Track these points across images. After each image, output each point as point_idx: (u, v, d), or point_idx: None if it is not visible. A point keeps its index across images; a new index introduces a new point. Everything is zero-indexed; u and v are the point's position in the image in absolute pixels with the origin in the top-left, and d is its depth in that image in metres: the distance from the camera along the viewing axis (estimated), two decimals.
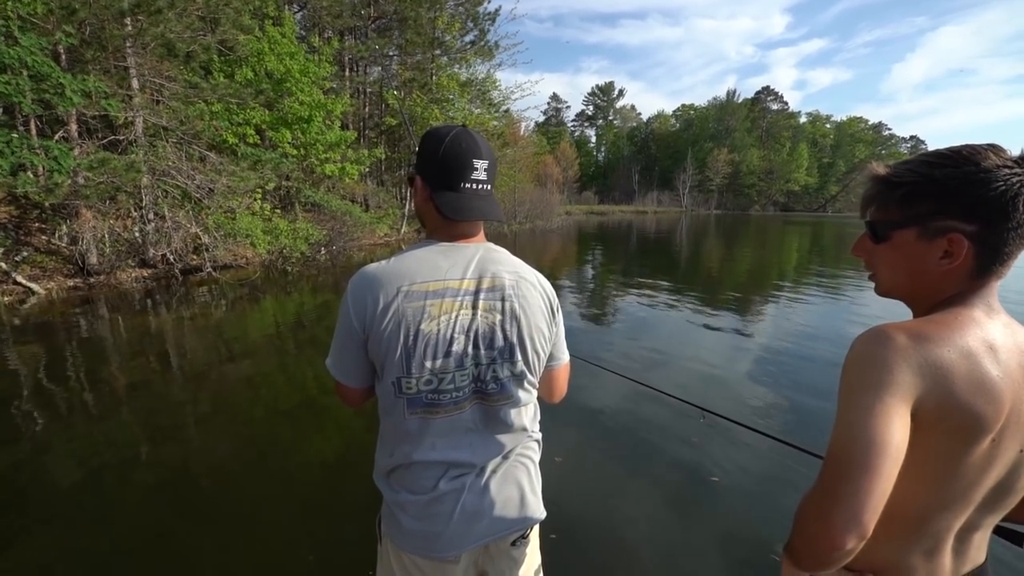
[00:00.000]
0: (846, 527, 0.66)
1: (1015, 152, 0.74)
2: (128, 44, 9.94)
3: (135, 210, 10.34)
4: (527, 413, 1.15)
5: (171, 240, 10.15)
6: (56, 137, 9.26)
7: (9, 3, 7.16)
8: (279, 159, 12.87)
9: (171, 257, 10.14)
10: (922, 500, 0.76)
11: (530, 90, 36.75)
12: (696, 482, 3.09)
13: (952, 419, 0.71)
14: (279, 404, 4.39)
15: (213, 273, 10.49)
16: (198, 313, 7.66)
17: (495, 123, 21.97)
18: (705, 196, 71.34)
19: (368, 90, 21.55)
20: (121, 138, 10.20)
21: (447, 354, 1.00)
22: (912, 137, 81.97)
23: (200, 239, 10.58)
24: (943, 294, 0.80)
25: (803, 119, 79.08)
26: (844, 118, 78.75)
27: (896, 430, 0.68)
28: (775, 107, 76.39)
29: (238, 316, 7.62)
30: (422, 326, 0.98)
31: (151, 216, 10.26)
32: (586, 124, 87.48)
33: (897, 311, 0.81)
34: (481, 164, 1.03)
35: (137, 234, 10.28)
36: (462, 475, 1.07)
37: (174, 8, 9.85)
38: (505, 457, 1.12)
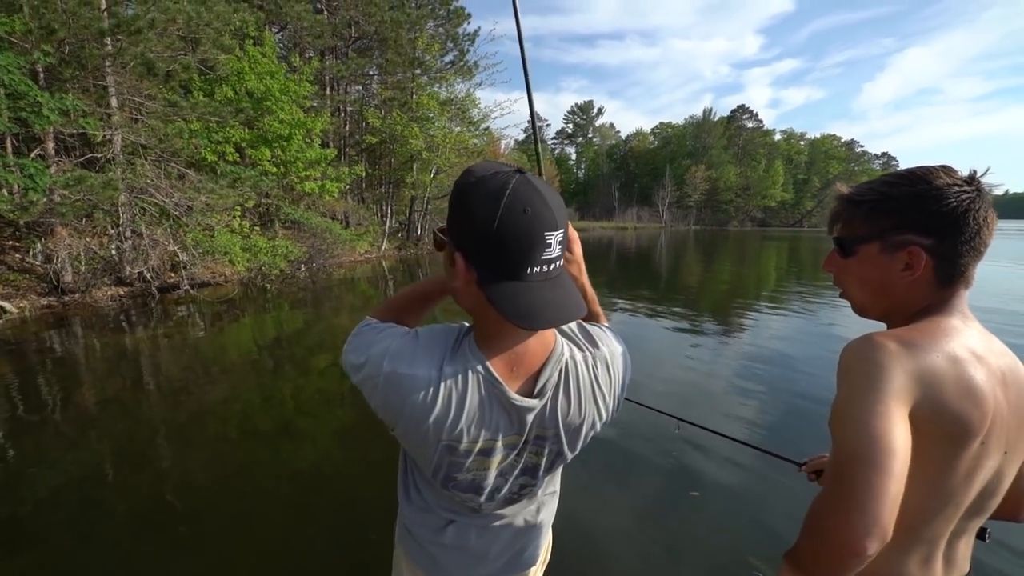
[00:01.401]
0: (867, 531, 0.64)
1: (965, 173, 0.81)
2: (107, 63, 9.98)
3: (112, 228, 10.28)
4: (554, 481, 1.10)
5: (148, 258, 10.10)
6: (32, 155, 9.22)
7: None
8: (259, 177, 12.92)
9: (148, 275, 10.08)
10: (917, 506, 0.77)
11: (510, 108, 37.10)
12: (675, 494, 3.18)
13: (944, 424, 0.73)
14: (256, 424, 4.42)
15: (191, 291, 10.44)
16: (175, 331, 7.63)
17: (475, 141, 22.28)
18: (684, 212, 72.67)
19: (349, 108, 21.74)
20: (99, 156, 10.18)
21: (479, 490, 0.91)
22: (884, 154, 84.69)
23: (178, 257, 10.54)
24: (915, 306, 0.84)
25: (778, 136, 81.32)
26: (818, 135, 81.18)
27: (900, 432, 0.69)
28: (750, 125, 78.45)
29: (215, 335, 7.62)
30: (457, 475, 0.87)
31: (128, 234, 10.21)
32: (566, 142, 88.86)
33: (873, 324, 0.90)
34: (555, 237, 0.72)
35: (114, 252, 10.21)
36: (476, 526, 1.01)
37: (154, 28, 9.94)
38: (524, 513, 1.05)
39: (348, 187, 19.64)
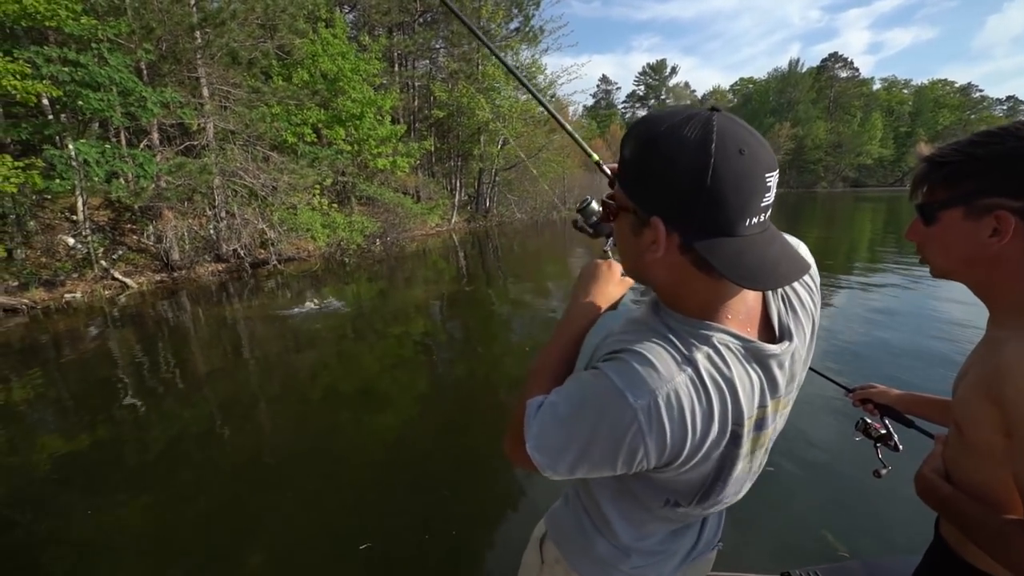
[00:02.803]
0: None
1: None
2: (198, 56, 10.79)
3: (209, 209, 11.28)
4: None
5: (241, 236, 11.02)
6: (141, 145, 10.25)
7: (100, 28, 7.98)
8: (334, 155, 13.59)
9: (241, 252, 11.02)
10: None
11: (577, 73, 35.88)
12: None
13: None
14: (339, 388, 4.84)
15: (278, 266, 11.30)
16: (267, 303, 8.35)
17: (542, 109, 21.92)
18: None
19: (417, 83, 22.08)
20: (195, 143, 11.12)
21: (741, 483, 0.79)
22: (1010, 98, 73.85)
23: (266, 234, 11.41)
24: (1005, 275, 0.78)
25: (877, 86, 73.25)
26: (926, 82, 72.41)
27: None
28: (844, 75, 71.23)
29: (302, 305, 8.25)
30: (731, 475, 0.74)
31: (223, 214, 11.16)
32: (637, 105, 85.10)
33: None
34: (775, 178, 0.61)
35: (211, 231, 11.23)
36: (698, 522, 0.93)
37: (236, 18, 10.58)
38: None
39: (418, 162, 20.13)
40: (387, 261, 12.85)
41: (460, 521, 2.70)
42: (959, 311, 6.20)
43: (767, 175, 0.59)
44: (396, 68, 21.02)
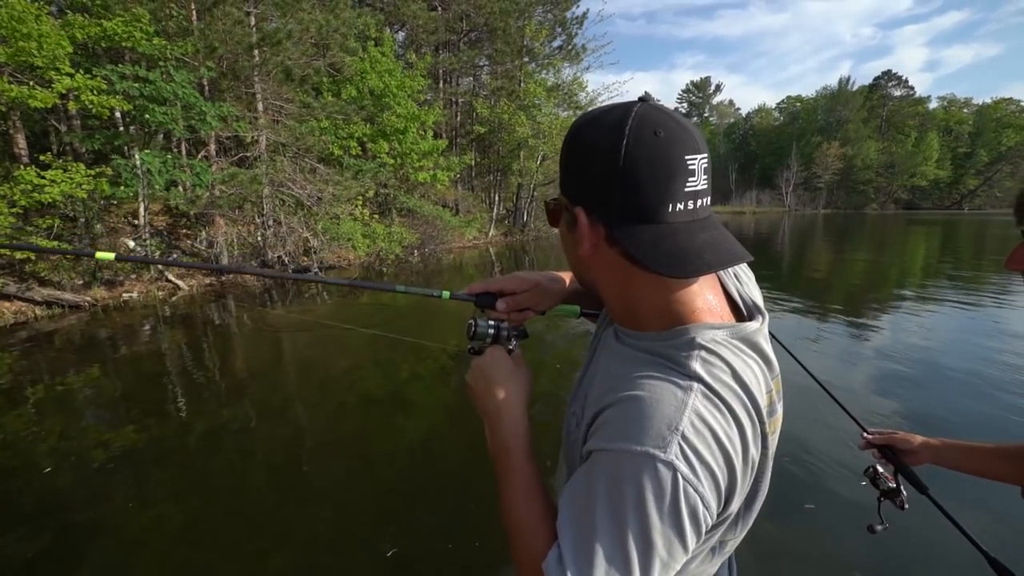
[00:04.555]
0: None
1: None
2: (255, 73, 11.42)
3: (257, 217, 11.82)
4: None
5: (286, 243, 11.49)
6: (199, 156, 10.87)
7: (169, 48, 8.58)
8: (377, 168, 14.04)
9: (285, 258, 11.46)
10: None
11: (618, 91, 35.76)
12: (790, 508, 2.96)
13: None
14: (373, 394, 4.96)
15: (320, 273, 11.69)
16: (307, 309, 8.65)
17: None
18: (811, 195, 65.86)
19: (460, 100, 22.62)
20: (248, 155, 11.71)
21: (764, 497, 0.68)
22: None
23: (309, 242, 11.84)
24: None
25: (934, 104, 70.28)
26: (988, 101, 68.99)
27: None
28: (898, 93, 68.76)
29: (339, 312, 8.51)
30: (764, 477, 0.66)
31: (270, 222, 11.67)
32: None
33: None
34: (699, 162, 0.58)
35: (259, 238, 11.74)
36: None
37: (292, 38, 11.16)
38: None
39: (458, 176, 20.54)
40: (424, 272, 13.11)
41: (484, 533, 2.72)
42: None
43: (688, 157, 0.57)
44: (440, 85, 21.60)
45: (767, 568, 2.43)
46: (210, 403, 4.64)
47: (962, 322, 7.14)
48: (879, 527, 1.13)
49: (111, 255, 0.99)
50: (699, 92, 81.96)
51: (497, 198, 22.54)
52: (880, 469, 1.15)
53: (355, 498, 3.11)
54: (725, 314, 0.66)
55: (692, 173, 0.57)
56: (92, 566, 2.56)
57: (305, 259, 12.00)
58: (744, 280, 0.73)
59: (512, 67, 21.35)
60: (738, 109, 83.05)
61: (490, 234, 21.01)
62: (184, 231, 11.45)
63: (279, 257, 11.57)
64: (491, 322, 0.84)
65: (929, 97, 71.00)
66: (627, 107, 0.58)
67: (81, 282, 8.59)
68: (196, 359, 5.99)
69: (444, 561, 2.55)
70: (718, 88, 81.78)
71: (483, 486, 3.18)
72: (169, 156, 9.31)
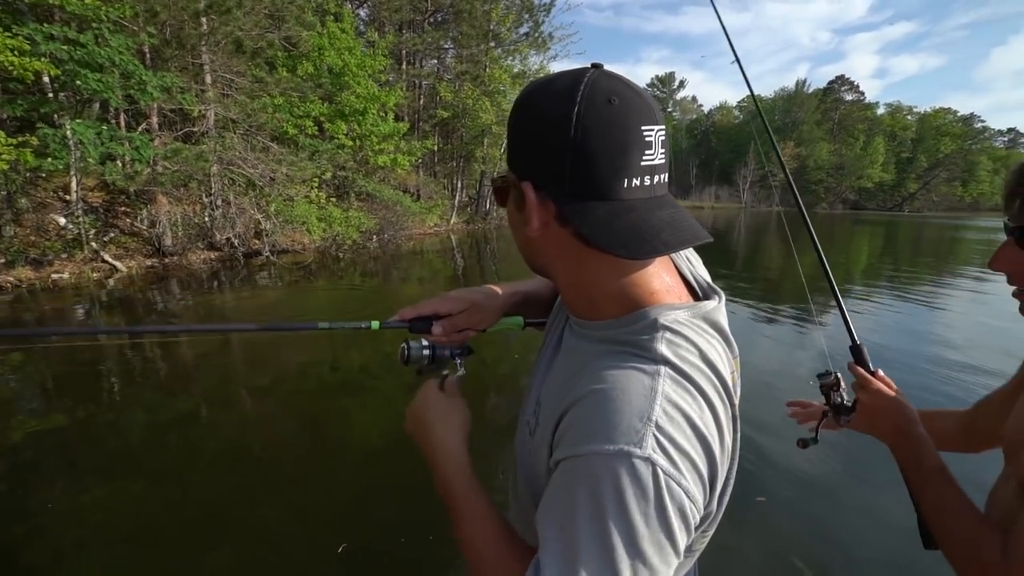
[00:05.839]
0: None
1: None
2: (203, 43, 10.75)
3: (205, 196, 11.21)
4: None
5: (235, 225, 10.96)
6: (140, 129, 10.19)
7: (103, 8, 7.93)
8: (335, 149, 13.55)
9: (235, 241, 10.94)
10: None
11: None
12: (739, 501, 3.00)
13: None
14: (327, 383, 4.76)
15: (271, 257, 11.22)
16: (258, 294, 8.28)
17: None
18: (767, 192, 68.20)
19: (423, 82, 22.10)
20: (195, 130, 11.06)
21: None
22: (1011, 130, 74.64)
23: (261, 224, 11.34)
24: None
25: (881, 110, 73.74)
26: (929, 110, 72.92)
27: None
28: (849, 97, 71.69)
29: (293, 298, 8.18)
30: (736, 457, 0.63)
31: (218, 202, 11.09)
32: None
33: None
34: (655, 134, 0.54)
35: (206, 219, 11.16)
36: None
37: (243, 7, 10.55)
38: None
39: (420, 161, 20.12)
40: (382, 258, 12.79)
41: (437, 527, 2.63)
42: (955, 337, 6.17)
43: (644, 128, 0.52)
44: (403, 66, 21.04)
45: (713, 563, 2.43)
46: (150, 394, 4.35)
47: (898, 318, 7.50)
48: (811, 443, 1.10)
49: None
50: (664, 87, 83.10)
51: (459, 185, 22.23)
52: (841, 382, 1.07)
53: (304, 492, 2.97)
54: (684, 295, 0.62)
55: (649, 145, 0.53)
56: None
57: (256, 242, 11.48)
58: (696, 264, 0.70)
59: (477, 51, 20.98)
60: (700, 106, 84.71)
61: (451, 221, 20.72)
62: (123, 209, 10.74)
63: (228, 239, 11.03)
64: (424, 343, 0.83)
65: (877, 103, 74.55)
66: (579, 73, 0.53)
67: (2, 261, 7.93)
68: (135, 346, 5.62)
69: (396, 556, 2.47)
70: (682, 84, 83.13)
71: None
72: (105, 127, 8.66)
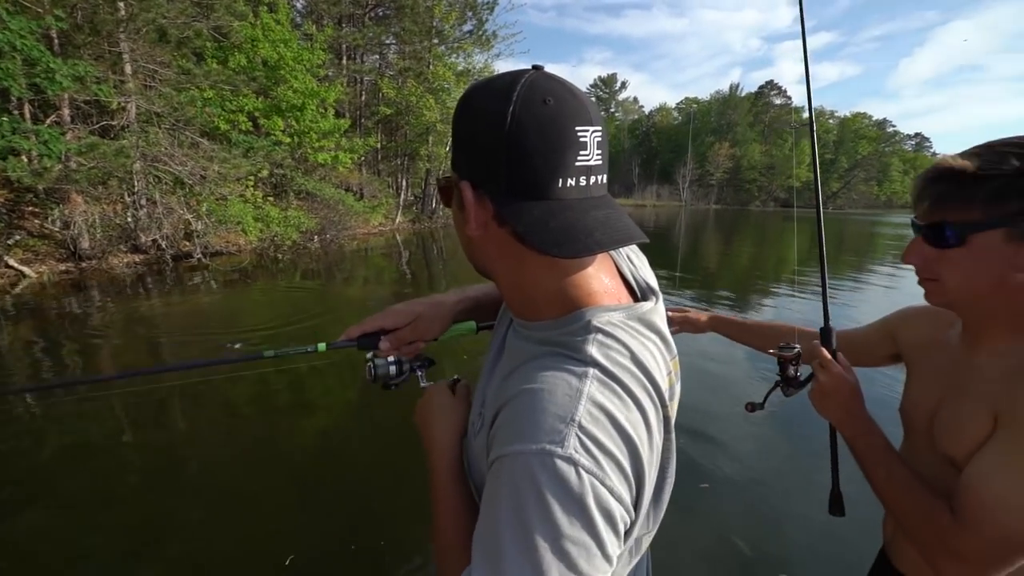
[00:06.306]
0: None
1: None
2: (120, 29, 9.95)
3: (127, 195, 10.41)
4: None
5: (162, 225, 10.24)
6: (48, 122, 9.31)
7: None
8: (271, 146, 12.95)
9: (162, 243, 10.23)
10: None
11: None
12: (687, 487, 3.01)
13: None
14: (267, 392, 4.50)
15: (204, 259, 10.58)
16: (189, 298, 7.77)
17: None
18: (705, 191, 71.22)
19: (365, 78, 21.51)
20: (114, 123, 10.23)
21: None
22: (917, 134, 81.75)
23: (191, 225, 10.66)
24: (1019, 305, 0.72)
25: (806, 114, 78.61)
26: (848, 114, 78.43)
27: None
28: (778, 101, 75.95)
29: (228, 303, 7.73)
30: (670, 463, 0.62)
31: (143, 202, 10.33)
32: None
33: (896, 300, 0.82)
34: (591, 135, 0.54)
35: (129, 219, 10.36)
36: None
37: None
38: None
39: (363, 159, 19.59)
40: (324, 259, 12.33)
41: (390, 532, 2.56)
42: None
43: (579, 128, 0.53)
44: (344, 61, 20.40)
45: (660, 548, 2.47)
46: (68, 409, 3.96)
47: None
48: (759, 409, 1.16)
49: None
50: (606, 88, 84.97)
51: (404, 183, 21.80)
52: (800, 358, 1.12)
53: (248, 503, 2.80)
54: (622, 296, 0.63)
55: (584, 146, 0.53)
56: None
57: (187, 244, 10.78)
58: (638, 264, 0.72)
59: (421, 48, 20.64)
60: (642, 107, 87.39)
61: (397, 220, 20.29)
62: (30, 208, 9.80)
63: (154, 241, 10.29)
64: (390, 359, 0.86)
65: (803, 107, 79.08)
66: (518, 74, 0.54)
67: None
68: (49, 357, 5.13)
69: (346, 564, 2.39)
70: (623, 85, 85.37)
71: (384, 484, 3.01)
72: (6, 119, 7.86)
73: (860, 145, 75.02)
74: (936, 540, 0.73)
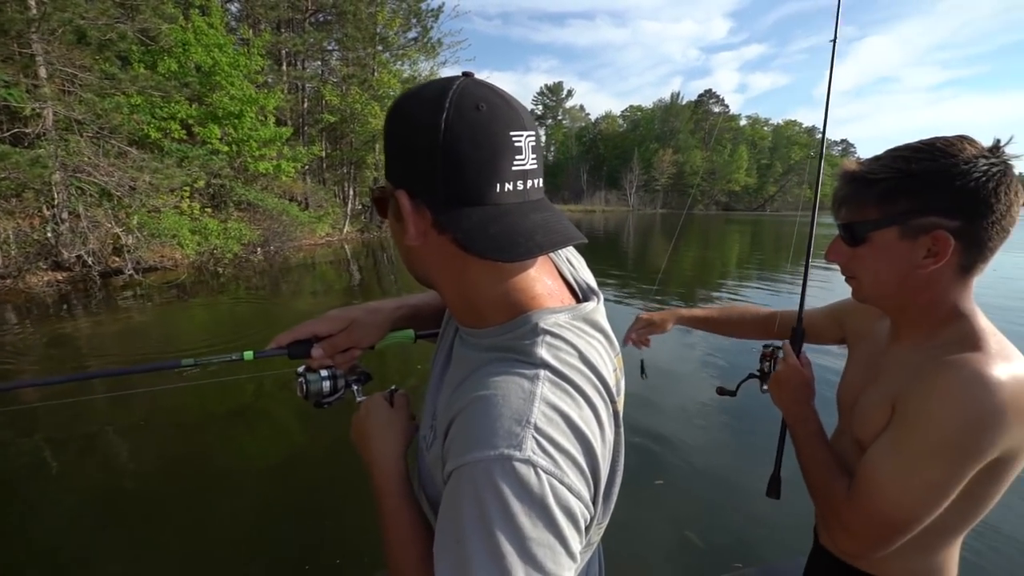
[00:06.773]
0: (871, 552, 0.77)
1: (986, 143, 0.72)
2: (32, 29, 9.25)
3: (46, 208, 9.65)
4: None
5: (87, 240, 9.54)
6: None
7: None
8: (207, 155, 12.36)
9: (88, 259, 9.52)
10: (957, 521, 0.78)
11: None
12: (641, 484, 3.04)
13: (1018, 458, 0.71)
14: (212, 411, 4.22)
15: (136, 276, 9.92)
16: (120, 318, 7.24)
17: None
18: (651, 196, 73.43)
19: (307, 85, 20.94)
20: (28, 131, 9.48)
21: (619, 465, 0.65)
22: (843, 140, 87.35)
23: (121, 240, 9.99)
24: (935, 297, 0.76)
25: (743, 122, 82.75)
26: (781, 121, 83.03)
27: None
28: (717, 109, 79.45)
29: (164, 321, 7.27)
30: (620, 459, 0.64)
31: (64, 215, 9.59)
32: (536, 124, 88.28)
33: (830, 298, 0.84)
34: (525, 139, 0.54)
35: (49, 234, 9.60)
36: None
37: None
38: None
39: (307, 167, 19.01)
40: (269, 272, 11.83)
41: (346, 551, 2.46)
42: None
43: (513, 133, 0.53)
44: (284, 67, 19.79)
45: (615, 542, 2.46)
46: None
47: (769, 301, 8.32)
48: (728, 393, 1.27)
49: None
50: (553, 96, 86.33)
51: (352, 192, 21.32)
52: (777, 356, 1.16)
53: (199, 526, 2.65)
54: (565, 298, 0.64)
55: (519, 151, 0.54)
56: None
57: (116, 259, 10.09)
58: (577, 266, 0.72)
59: (364, 55, 20.31)
60: (588, 114, 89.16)
61: (345, 231, 19.80)
62: None
63: (79, 257, 9.57)
64: (324, 374, 0.79)
65: (740, 115, 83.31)
66: (448, 81, 0.54)
67: None
68: None
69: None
70: (570, 93, 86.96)
71: (341, 503, 2.88)
72: None
73: (793, 151, 79.47)
74: (832, 514, 0.82)
